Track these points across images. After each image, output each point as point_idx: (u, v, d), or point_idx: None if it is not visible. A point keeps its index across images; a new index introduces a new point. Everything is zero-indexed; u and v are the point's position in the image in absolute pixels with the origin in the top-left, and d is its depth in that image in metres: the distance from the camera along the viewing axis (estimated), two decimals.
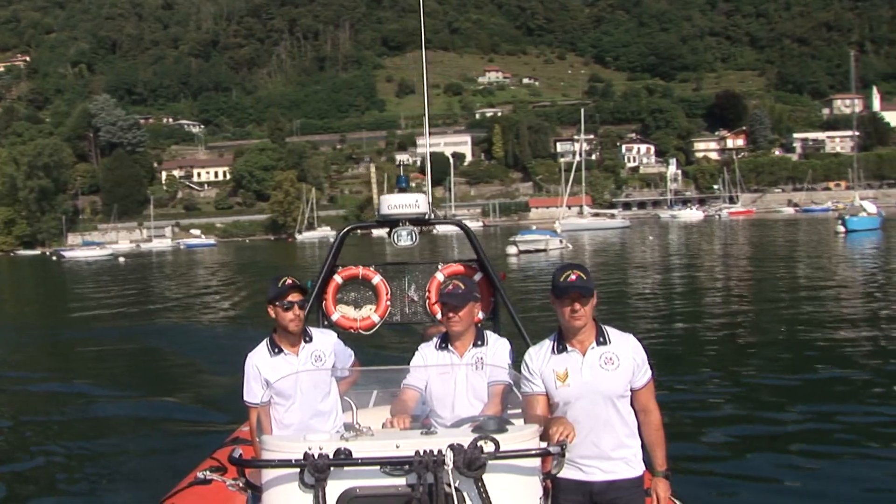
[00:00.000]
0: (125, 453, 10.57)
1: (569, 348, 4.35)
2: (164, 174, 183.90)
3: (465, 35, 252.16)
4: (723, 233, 79.32)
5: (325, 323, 7.44)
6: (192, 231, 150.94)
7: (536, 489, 4.01)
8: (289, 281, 5.08)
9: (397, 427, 4.42)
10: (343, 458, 3.74)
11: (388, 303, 7.68)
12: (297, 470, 3.77)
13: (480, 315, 6.96)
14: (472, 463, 3.66)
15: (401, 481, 3.75)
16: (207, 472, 5.64)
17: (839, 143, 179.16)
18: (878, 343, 16.45)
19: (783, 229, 78.87)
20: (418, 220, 7.32)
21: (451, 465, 3.65)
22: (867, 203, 74.87)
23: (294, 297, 5.04)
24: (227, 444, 6.21)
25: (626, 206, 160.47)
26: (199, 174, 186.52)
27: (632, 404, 4.43)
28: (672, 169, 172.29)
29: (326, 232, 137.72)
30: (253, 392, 5.11)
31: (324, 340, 5.31)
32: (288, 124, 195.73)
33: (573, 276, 4.29)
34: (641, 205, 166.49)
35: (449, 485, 3.65)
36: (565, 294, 4.25)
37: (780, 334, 18.17)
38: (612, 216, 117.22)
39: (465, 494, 3.72)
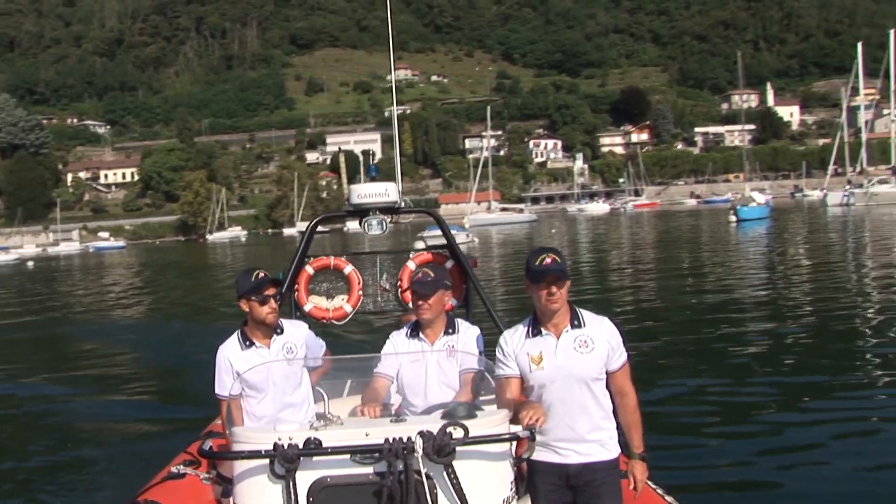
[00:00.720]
0: (97, 453, 10.40)
1: (543, 332, 4.37)
2: (69, 176, 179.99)
3: (374, 33, 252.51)
4: (627, 224, 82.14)
5: (298, 314, 7.42)
6: (101, 234, 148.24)
7: (507, 474, 4.07)
8: (262, 274, 5.08)
9: (367, 415, 4.43)
10: (313, 448, 3.76)
11: (361, 292, 7.69)
12: (268, 461, 3.78)
13: (453, 302, 7.09)
14: (441, 449, 3.70)
15: (371, 469, 3.78)
16: (181, 467, 5.68)
17: (737, 136, 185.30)
18: (750, 311, 18.69)
19: (683, 219, 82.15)
20: (388, 209, 7.36)
21: (420, 452, 3.68)
22: (756, 194, 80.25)
23: (270, 290, 5.04)
24: (202, 438, 6.12)
25: (535, 200, 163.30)
26: (106, 176, 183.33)
27: (608, 387, 4.46)
28: (579, 163, 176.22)
29: (237, 232, 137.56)
30: (224, 385, 5.08)
31: (295, 332, 5.30)
32: (196, 124, 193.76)
33: (548, 260, 4.30)
34: (549, 199, 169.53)
35: (419, 472, 3.69)
36: (542, 278, 4.26)
37: (677, 312, 20.04)
38: (521, 211, 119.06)
39: (435, 481, 3.76)
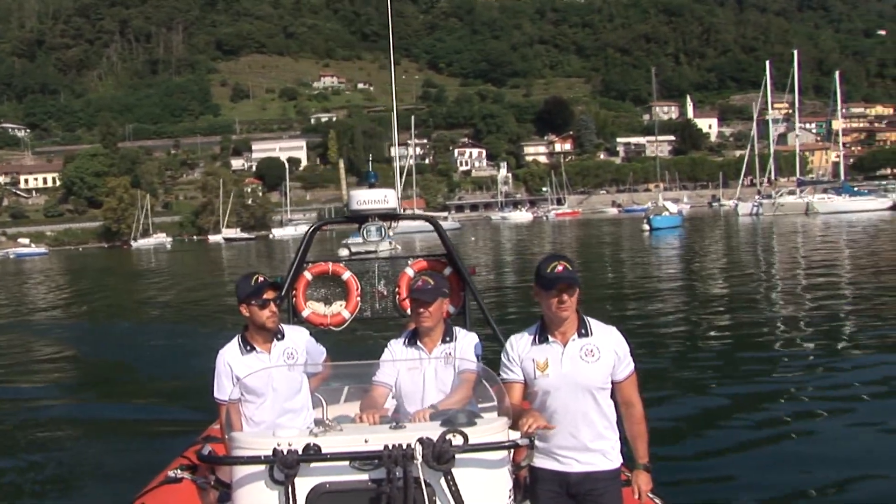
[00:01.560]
0: (95, 456, 10.25)
1: (550, 339, 4.35)
2: None
3: (301, 40, 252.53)
4: (549, 232, 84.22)
5: (296, 319, 7.39)
6: (21, 240, 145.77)
7: (506, 481, 4.03)
8: (261, 278, 5.07)
9: (367, 422, 4.40)
10: (312, 454, 3.75)
11: (359, 298, 7.65)
12: (267, 466, 3.78)
13: (450, 310, 6.98)
14: (440, 456, 3.69)
15: (370, 476, 3.76)
16: (178, 471, 5.64)
17: (658, 146, 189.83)
18: (657, 309, 19.99)
19: (602, 228, 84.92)
20: (388, 216, 7.40)
21: (420, 459, 3.67)
22: (669, 203, 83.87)
23: (269, 294, 5.03)
24: (199, 442, 6.10)
25: (459, 208, 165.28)
26: (26, 180, 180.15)
27: (613, 397, 4.43)
28: (503, 172, 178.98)
29: (162, 239, 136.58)
30: (223, 389, 5.07)
31: (296, 338, 5.29)
32: (120, 129, 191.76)
33: (560, 268, 4.27)
34: (474, 207, 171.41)
35: (418, 479, 3.67)
36: (553, 285, 4.24)
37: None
38: (445, 219, 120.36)
39: (434, 488, 3.74)
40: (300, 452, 3.72)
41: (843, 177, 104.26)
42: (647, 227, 67.12)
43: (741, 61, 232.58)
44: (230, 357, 5.10)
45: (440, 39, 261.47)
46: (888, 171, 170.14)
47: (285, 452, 3.71)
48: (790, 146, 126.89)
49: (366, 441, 3.81)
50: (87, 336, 23.24)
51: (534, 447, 4.08)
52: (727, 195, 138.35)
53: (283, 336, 5.19)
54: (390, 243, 62.19)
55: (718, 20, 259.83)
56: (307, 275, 7.62)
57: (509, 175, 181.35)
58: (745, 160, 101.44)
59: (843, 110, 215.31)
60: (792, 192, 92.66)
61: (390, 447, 3.68)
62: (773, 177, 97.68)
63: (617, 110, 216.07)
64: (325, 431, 3.91)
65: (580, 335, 4.35)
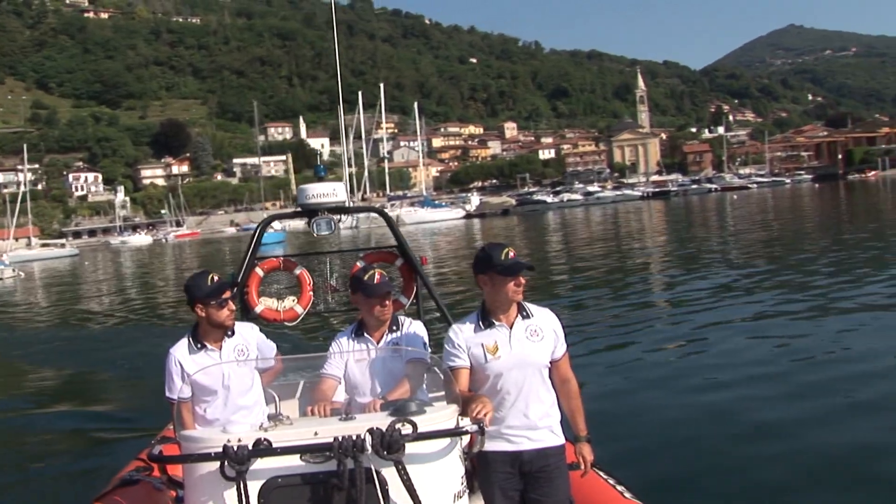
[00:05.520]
0: (50, 465, 9.96)
1: (496, 323, 4.41)
2: None
3: None
4: (169, 253, 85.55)
5: (249, 316, 7.31)
6: None
7: (458, 468, 4.04)
8: (216, 277, 4.98)
9: (317, 414, 4.42)
10: (262, 449, 3.69)
11: (311, 293, 7.64)
12: (218, 463, 3.68)
13: (403, 300, 7.32)
14: (390, 446, 3.65)
15: (322, 468, 3.72)
16: (134, 473, 5.62)
17: (273, 166, 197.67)
18: None
19: (219, 245, 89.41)
20: (337, 209, 7.28)
21: (370, 450, 3.64)
22: (275, 223, 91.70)
23: (227, 293, 4.97)
24: (155, 444, 5.99)
25: (77, 234, 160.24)
26: None
27: (549, 375, 4.50)
28: (120, 196, 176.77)
29: None
30: (174, 388, 4.98)
31: (247, 334, 5.22)
32: None
33: (512, 253, 4.35)
34: (92, 233, 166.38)
35: (369, 469, 3.65)
36: (516, 271, 4.32)
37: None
38: (62, 245, 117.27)
39: (386, 477, 3.72)
40: (251, 448, 3.68)
41: (425, 191, 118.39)
42: None
43: (351, 84, 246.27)
44: (180, 355, 5.02)
45: (49, 58, 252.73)
46: (479, 183, 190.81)
47: (236, 448, 3.65)
48: (398, 163, 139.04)
49: (316, 433, 3.79)
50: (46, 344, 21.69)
51: (483, 433, 4.02)
52: None
53: (233, 333, 5.11)
54: (14, 270, 62.30)
55: (329, 45, 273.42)
56: (259, 271, 7.58)
57: (127, 199, 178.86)
58: (353, 177, 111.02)
59: (442, 129, 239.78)
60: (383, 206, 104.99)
61: (340, 439, 3.65)
62: (386, 191, 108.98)
63: (233, 131, 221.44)
64: (275, 426, 3.90)
65: (523, 317, 4.46)
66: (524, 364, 4.38)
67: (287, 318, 7.61)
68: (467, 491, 4.15)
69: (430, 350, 5.01)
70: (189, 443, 3.98)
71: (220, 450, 3.66)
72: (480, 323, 4.44)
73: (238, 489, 3.62)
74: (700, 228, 49.30)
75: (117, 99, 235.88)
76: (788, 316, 15.48)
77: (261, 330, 5.39)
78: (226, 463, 3.64)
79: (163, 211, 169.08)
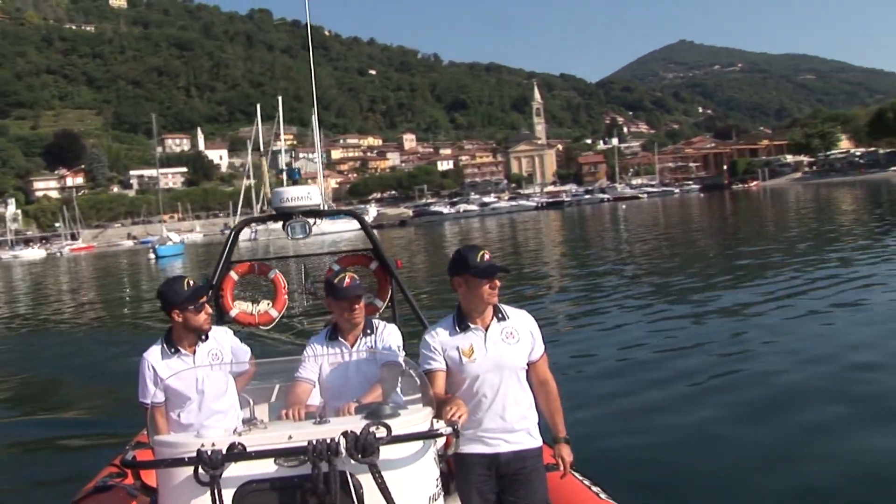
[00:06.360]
0: (24, 475, 9.71)
1: (471, 325, 4.41)
2: None
3: None
4: (65, 267, 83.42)
5: (224, 320, 7.28)
6: None
7: (433, 470, 4.06)
8: (192, 282, 4.95)
9: (292, 418, 4.39)
10: (236, 453, 3.68)
11: (286, 296, 7.63)
12: (192, 468, 3.66)
13: (378, 303, 7.31)
14: (365, 449, 3.65)
15: (297, 472, 3.71)
16: (108, 479, 5.62)
17: (171, 178, 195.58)
18: None
19: (115, 259, 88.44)
20: (312, 213, 7.26)
21: (344, 453, 3.64)
22: (173, 234, 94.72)
23: (203, 297, 4.96)
24: (129, 450, 5.75)
25: None
26: None
27: (528, 378, 4.50)
28: (11, 209, 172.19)
29: None
30: (148, 393, 4.93)
31: (221, 338, 5.18)
32: None
33: (488, 256, 4.36)
34: None
35: (344, 472, 3.65)
36: (492, 273, 4.33)
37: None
38: None
39: (360, 481, 3.72)
40: (224, 452, 3.66)
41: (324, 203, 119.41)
42: (153, 255, 74.60)
43: (249, 95, 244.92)
44: (154, 360, 4.96)
45: None
46: (378, 194, 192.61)
47: (209, 453, 3.63)
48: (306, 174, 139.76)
49: (290, 437, 3.78)
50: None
51: (458, 435, 4.06)
52: None
53: (207, 337, 5.07)
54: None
55: (228, 55, 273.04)
56: (233, 274, 7.56)
57: (19, 212, 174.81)
58: (246, 189, 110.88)
59: (341, 141, 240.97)
60: None
61: (315, 442, 3.64)
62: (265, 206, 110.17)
63: (129, 143, 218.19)
64: (249, 430, 3.88)
65: (498, 319, 4.46)
66: (500, 367, 4.40)
67: (262, 321, 7.59)
68: (442, 493, 4.18)
69: (404, 353, 4.99)
70: (163, 448, 3.99)
71: (194, 454, 3.66)
72: (456, 326, 4.46)
73: (212, 494, 3.63)
74: (595, 238, 51.20)
75: (7, 108, 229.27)
76: (669, 318, 16.30)
77: (235, 334, 5.39)
78: (200, 468, 3.65)
79: (57, 224, 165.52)
